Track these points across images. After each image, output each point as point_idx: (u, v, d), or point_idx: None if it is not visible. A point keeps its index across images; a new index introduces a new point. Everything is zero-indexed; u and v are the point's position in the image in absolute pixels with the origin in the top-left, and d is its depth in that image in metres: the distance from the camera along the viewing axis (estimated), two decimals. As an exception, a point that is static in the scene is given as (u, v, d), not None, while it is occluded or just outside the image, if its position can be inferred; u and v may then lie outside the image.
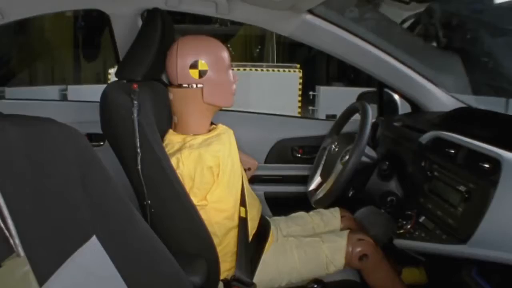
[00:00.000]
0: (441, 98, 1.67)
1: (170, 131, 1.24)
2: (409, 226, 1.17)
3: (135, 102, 1.04)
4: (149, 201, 1.08)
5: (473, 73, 1.69)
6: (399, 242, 1.18)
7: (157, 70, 1.25)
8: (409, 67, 1.65)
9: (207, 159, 1.12)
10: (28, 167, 0.65)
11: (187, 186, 1.13)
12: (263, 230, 1.35)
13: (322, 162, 1.54)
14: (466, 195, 1.05)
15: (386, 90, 1.74)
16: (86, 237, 0.72)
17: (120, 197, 0.85)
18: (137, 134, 1.03)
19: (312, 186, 1.51)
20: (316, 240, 1.35)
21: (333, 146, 1.48)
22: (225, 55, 1.22)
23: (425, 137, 1.29)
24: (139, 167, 1.04)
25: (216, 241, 1.17)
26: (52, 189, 0.68)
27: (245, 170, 1.49)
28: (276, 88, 6.55)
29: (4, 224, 0.56)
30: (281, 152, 1.88)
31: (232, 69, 1.27)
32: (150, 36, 1.17)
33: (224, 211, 1.20)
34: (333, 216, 1.52)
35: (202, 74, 1.16)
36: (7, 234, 0.56)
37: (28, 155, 0.65)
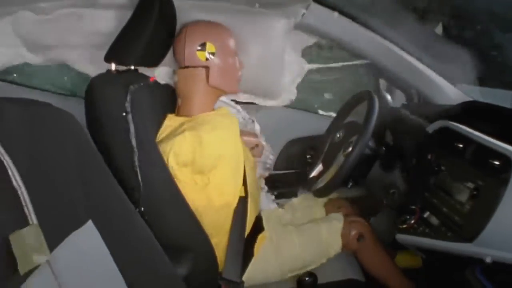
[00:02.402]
0: (447, 91, 1.63)
1: (169, 116, 1.20)
2: (412, 221, 1.14)
3: (129, 96, 0.97)
4: (142, 208, 0.99)
5: (481, 65, 1.65)
6: (401, 237, 1.15)
7: (152, 56, 1.14)
8: (416, 57, 1.60)
9: (209, 142, 1.08)
10: (28, 146, 0.66)
11: (185, 175, 1.09)
12: (259, 225, 1.33)
13: (325, 149, 1.50)
14: (475, 192, 1.02)
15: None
16: (82, 220, 0.72)
17: (112, 183, 0.85)
18: (134, 135, 0.96)
19: (313, 173, 1.48)
20: (314, 224, 1.37)
21: (337, 134, 1.44)
22: (233, 41, 1.22)
23: (433, 126, 1.25)
24: (138, 169, 0.97)
25: (212, 232, 1.13)
26: (49, 170, 0.69)
27: (252, 148, 1.45)
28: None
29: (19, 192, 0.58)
30: (292, 154, 1.70)
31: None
32: (144, 17, 1.06)
33: (225, 194, 1.17)
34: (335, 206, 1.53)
35: (209, 56, 1.16)
36: (23, 202, 0.58)
37: (27, 135, 0.66)
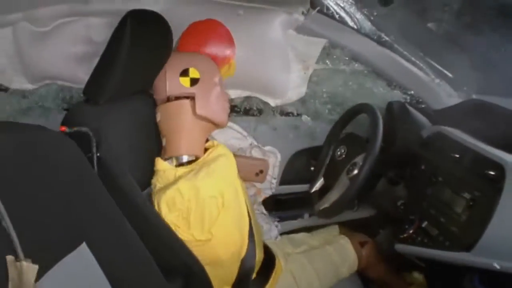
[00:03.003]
0: (446, 97, 1.63)
1: (157, 160, 1.05)
2: (411, 231, 1.16)
3: (93, 137, 0.90)
4: None
5: (482, 69, 1.64)
6: (400, 247, 1.17)
7: (128, 85, 1.04)
8: (415, 62, 1.61)
9: (207, 191, 0.95)
10: (19, 173, 0.65)
11: (182, 229, 0.95)
12: (269, 260, 1.26)
13: (326, 162, 1.49)
14: (471, 203, 1.03)
15: None
16: (77, 243, 0.72)
17: (110, 204, 0.84)
18: (96, 171, 0.88)
19: (315, 188, 1.48)
20: (322, 250, 1.38)
21: (339, 150, 1.41)
22: (216, 71, 1.12)
23: (427, 131, 1.26)
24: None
25: (220, 281, 1.06)
26: (44, 196, 0.69)
27: (257, 174, 1.42)
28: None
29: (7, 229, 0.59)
30: (299, 168, 1.63)
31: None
32: (115, 48, 0.98)
33: (232, 245, 1.05)
34: (332, 235, 1.53)
35: (193, 82, 1.06)
36: (13, 239, 0.59)
37: (18, 163, 0.65)
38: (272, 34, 1.33)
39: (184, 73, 1.06)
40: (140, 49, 1.01)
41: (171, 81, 1.06)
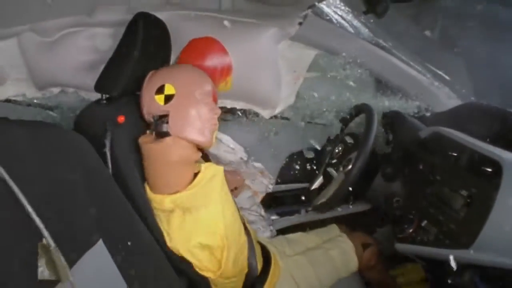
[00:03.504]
0: (446, 99, 1.65)
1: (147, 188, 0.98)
2: (411, 230, 1.16)
3: (109, 133, 0.92)
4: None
5: (478, 73, 1.66)
6: (400, 247, 1.17)
7: (135, 81, 1.03)
8: (413, 66, 1.63)
9: (200, 236, 0.93)
10: (35, 170, 0.67)
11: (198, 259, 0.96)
12: (266, 258, 1.27)
13: (326, 161, 1.53)
14: (468, 200, 1.04)
15: None
16: (94, 240, 0.73)
17: (122, 201, 0.86)
18: (110, 170, 0.91)
19: (314, 186, 1.50)
20: (323, 251, 1.38)
21: (337, 148, 1.46)
22: (202, 83, 1.00)
23: (424, 132, 1.28)
24: None
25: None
26: (58, 192, 0.70)
27: (232, 190, 1.34)
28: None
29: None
30: (295, 168, 1.69)
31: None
32: (128, 45, 1.02)
33: (235, 276, 1.06)
34: (332, 234, 1.53)
35: (168, 99, 0.94)
36: (39, 228, 0.61)
37: (35, 158, 0.67)
38: (264, 47, 1.36)
39: (160, 90, 0.95)
40: (149, 46, 1.04)
41: (148, 100, 0.96)
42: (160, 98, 0.95)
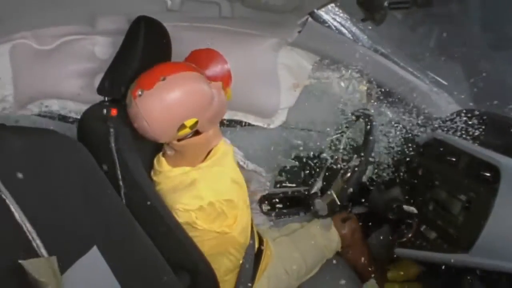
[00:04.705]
0: (446, 105, 1.65)
1: (162, 161, 1.09)
2: (410, 235, 1.16)
3: (112, 129, 0.95)
4: None
5: (477, 78, 1.67)
6: (400, 251, 1.17)
7: None
8: (412, 72, 1.64)
9: (223, 193, 1.05)
10: (31, 176, 0.66)
11: (207, 220, 1.04)
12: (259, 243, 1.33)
13: (326, 167, 1.53)
14: (467, 204, 1.04)
15: None
16: (87, 247, 0.73)
17: (119, 207, 0.86)
18: (118, 165, 0.94)
19: (314, 190, 1.51)
20: (304, 230, 1.43)
21: (337, 155, 1.47)
22: (200, 90, 1.02)
23: (423, 138, 1.29)
24: (124, 201, 0.94)
25: (227, 269, 1.14)
26: (54, 198, 0.70)
27: None
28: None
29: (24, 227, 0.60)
30: (295, 171, 1.68)
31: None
32: (130, 48, 1.04)
33: (246, 237, 1.16)
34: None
35: (193, 126, 1.03)
36: (30, 237, 0.60)
37: (29, 165, 0.67)
38: (264, 58, 1.37)
39: (181, 127, 1.00)
40: (151, 47, 1.07)
41: (172, 137, 1.02)
42: (185, 131, 1.01)
